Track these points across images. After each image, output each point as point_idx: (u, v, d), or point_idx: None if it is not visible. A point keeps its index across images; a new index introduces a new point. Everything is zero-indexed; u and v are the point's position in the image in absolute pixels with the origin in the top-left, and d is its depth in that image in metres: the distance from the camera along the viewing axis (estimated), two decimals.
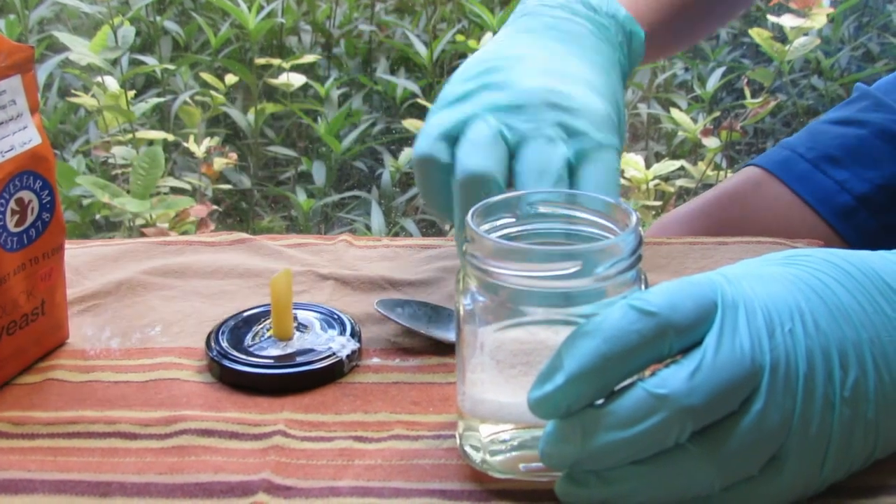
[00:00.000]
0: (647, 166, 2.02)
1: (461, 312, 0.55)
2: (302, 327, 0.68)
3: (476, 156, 0.64)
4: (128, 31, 1.94)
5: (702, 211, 1.01)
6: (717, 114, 2.28)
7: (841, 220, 0.96)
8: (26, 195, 0.64)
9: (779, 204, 0.97)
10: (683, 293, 0.51)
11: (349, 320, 0.69)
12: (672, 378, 0.49)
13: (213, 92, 2.20)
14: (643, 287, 0.54)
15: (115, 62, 1.95)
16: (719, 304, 0.52)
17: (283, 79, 2.20)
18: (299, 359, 0.65)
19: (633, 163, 2.00)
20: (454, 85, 0.69)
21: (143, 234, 1.82)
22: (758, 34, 2.01)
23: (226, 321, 0.69)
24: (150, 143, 2.00)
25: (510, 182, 0.65)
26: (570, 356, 0.50)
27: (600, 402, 0.50)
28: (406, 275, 0.76)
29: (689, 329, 0.50)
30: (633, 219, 0.54)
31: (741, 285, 0.53)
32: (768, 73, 2.09)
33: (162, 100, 2.18)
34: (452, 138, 0.66)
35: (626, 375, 0.50)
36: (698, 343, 0.51)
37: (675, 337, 0.50)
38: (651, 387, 0.49)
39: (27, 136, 0.64)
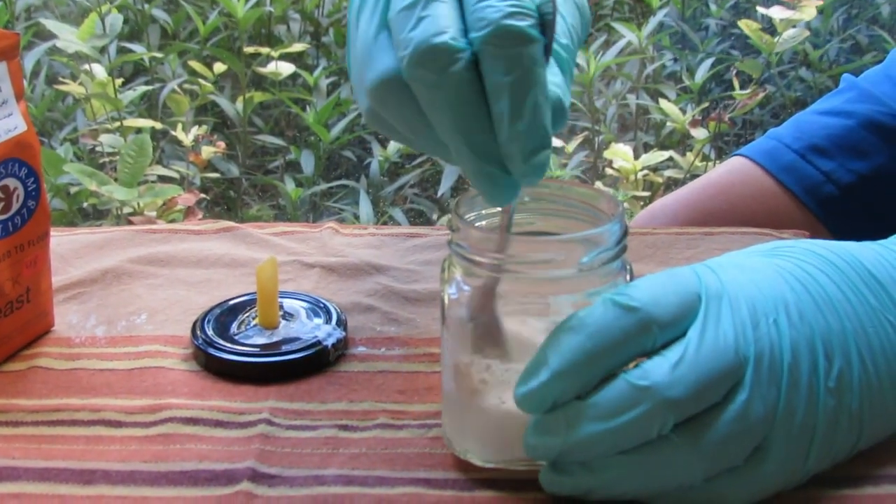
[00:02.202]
0: (636, 157, 2.02)
1: (446, 302, 0.55)
2: (288, 316, 0.68)
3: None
4: (115, 19, 1.93)
5: (688, 201, 1.01)
6: (706, 105, 2.28)
7: (826, 211, 0.96)
8: (11, 182, 0.63)
9: (765, 194, 0.98)
10: (666, 287, 0.51)
11: (335, 309, 0.68)
12: (654, 370, 0.49)
13: (201, 80, 2.19)
14: (628, 277, 0.54)
15: (102, 50, 1.94)
16: (703, 296, 0.52)
17: (271, 67, 2.20)
18: (285, 347, 0.65)
19: (622, 153, 2.00)
20: None
21: (130, 223, 1.81)
22: (747, 25, 2.01)
23: (211, 309, 0.69)
24: (138, 131, 2.00)
25: None
26: (553, 352, 0.50)
27: None
28: (392, 262, 0.76)
29: (673, 323, 0.51)
30: (619, 209, 0.54)
31: (725, 276, 0.53)
32: (757, 64, 2.09)
33: (150, 88, 2.18)
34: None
35: (611, 370, 0.50)
36: (683, 335, 0.51)
37: (659, 332, 0.50)
38: (634, 378, 0.49)
39: (12, 124, 0.63)
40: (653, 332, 0.50)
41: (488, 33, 0.48)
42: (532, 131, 0.48)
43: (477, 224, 0.55)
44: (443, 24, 0.49)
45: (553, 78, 0.51)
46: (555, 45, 0.53)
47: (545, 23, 0.49)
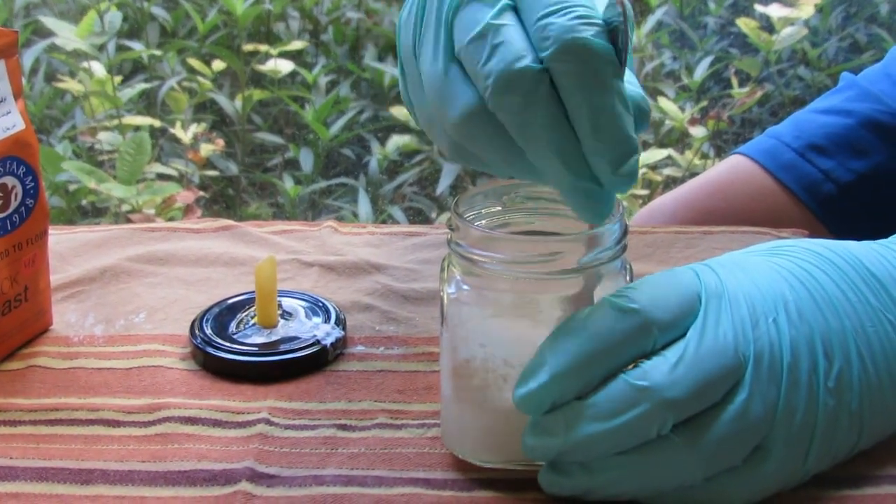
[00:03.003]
0: None
1: (445, 301, 0.54)
2: (286, 315, 0.68)
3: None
4: (114, 17, 1.94)
5: (687, 199, 1.01)
6: (705, 103, 2.28)
7: (826, 210, 0.96)
8: (10, 181, 0.63)
9: (764, 193, 0.98)
10: (666, 288, 0.51)
11: (334, 308, 0.68)
12: (654, 370, 0.49)
13: (200, 78, 2.19)
14: (628, 277, 0.54)
15: (101, 47, 1.94)
16: (703, 296, 0.52)
17: (270, 65, 2.20)
18: (283, 347, 0.65)
19: None
20: None
21: (129, 221, 1.81)
22: (745, 24, 2.01)
23: (210, 308, 0.68)
24: (137, 128, 2.00)
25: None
26: (553, 354, 0.50)
27: None
28: (392, 261, 0.76)
29: (673, 324, 0.51)
30: (619, 208, 0.54)
31: (725, 276, 0.53)
32: (755, 62, 2.10)
33: (149, 85, 2.18)
34: None
35: (610, 371, 0.50)
36: (682, 335, 0.51)
37: (659, 333, 0.50)
38: (633, 379, 0.49)
39: (11, 122, 0.63)
40: (652, 334, 0.50)
41: (555, 51, 0.47)
42: (616, 141, 0.48)
43: (476, 223, 0.55)
44: (518, 48, 0.48)
45: (629, 82, 0.50)
46: None
47: (614, 30, 0.48)
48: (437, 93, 0.52)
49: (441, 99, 0.52)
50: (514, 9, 0.50)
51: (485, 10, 0.50)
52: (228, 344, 0.65)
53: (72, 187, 1.92)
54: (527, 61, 0.48)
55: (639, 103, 0.50)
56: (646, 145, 2.27)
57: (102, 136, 1.98)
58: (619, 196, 0.52)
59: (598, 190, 0.49)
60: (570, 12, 0.48)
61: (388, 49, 2.55)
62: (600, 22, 0.48)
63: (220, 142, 2.14)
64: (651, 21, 2.32)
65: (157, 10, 2.45)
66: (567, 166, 0.49)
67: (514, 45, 0.48)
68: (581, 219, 0.51)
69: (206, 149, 2.09)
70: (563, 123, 0.48)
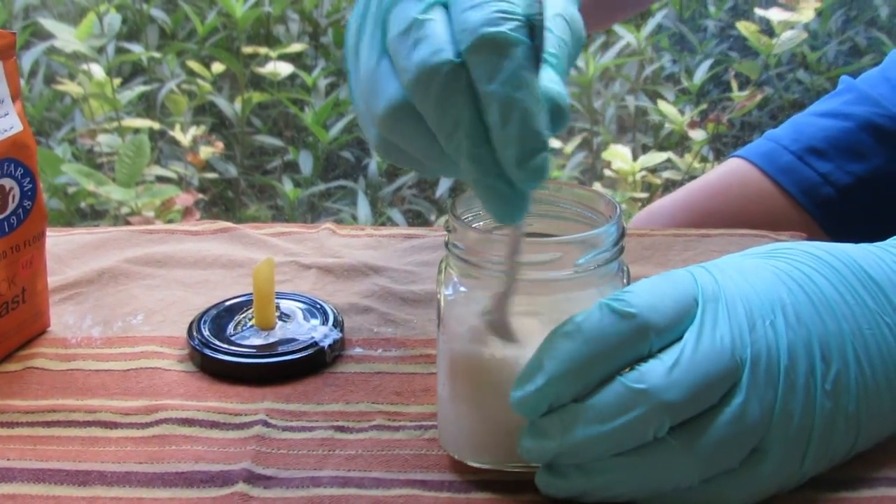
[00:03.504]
0: (634, 158, 2.03)
1: (442, 303, 0.54)
2: (284, 317, 0.68)
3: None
4: (114, 19, 1.94)
5: (686, 202, 1.01)
6: (704, 106, 2.28)
7: (824, 212, 0.96)
8: (7, 183, 0.63)
9: (762, 195, 0.98)
10: (663, 292, 0.51)
11: (332, 310, 0.68)
12: (651, 373, 0.49)
13: (199, 80, 2.19)
14: (625, 280, 0.54)
15: (100, 50, 1.94)
16: (700, 299, 0.52)
17: (270, 68, 2.20)
18: (281, 348, 0.65)
19: (620, 154, 2.00)
20: None
21: (128, 223, 1.81)
22: (745, 27, 2.02)
23: (208, 310, 0.68)
24: (136, 131, 2.00)
25: None
26: (550, 357, 0.50)
27: None
28: (389, 263, 0.76)
29: (670, 328, 0.51)
30: (616, 211, 0.54)
31: (722, 278, 0.53)
32: (755, 66, 2.10)
33: (148, 88, 2.18)
34: None
35: (607, 374, 0.50)
36: (679, 338, 0.51)
37: (656, 336, 0.50)
38: (630, 381, 0.49)
39: (8, 124, 0.63)
40: (649, 338, 0.50)
41: (471, 43, 0.47)
42: (524, 135, 0.47)
43: (474, 225, 0.55)
44: (439, 42, 0.48)
45: (549, 79, 0.50)
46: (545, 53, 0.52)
47: (533, 26, 0.48)
48: (369, 85, 0.52)
49: (370, 92, 0.52)
50: (445, 6, 0.50)
51: (415, 5, 0.50)
52: (226, 346, 0.65)
53: (71, 190, 1.92)
54: (444, 55, 0.48)
55: (555, 100, 0.49)
56: (645, 148, 2.27)
57: (102, 138, 1.98)
58: (617, 199, 0.52)
59: (505, 188, 0.49)
60: (490, 6, 0.48)
61: None
62: (520, 17, 0.48)
63: (220, 144, 2.14)
64: (651, 24, 2.32)
65: (157, 13, 2.46)
66: (473, 161, 0.48)
67: (435, 40, 0.48)
68: (492, 219, 0.50)
69: (205, 151, 2.10)
70: (476, 117, 0.48)
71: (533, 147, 0.48)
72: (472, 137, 0.48)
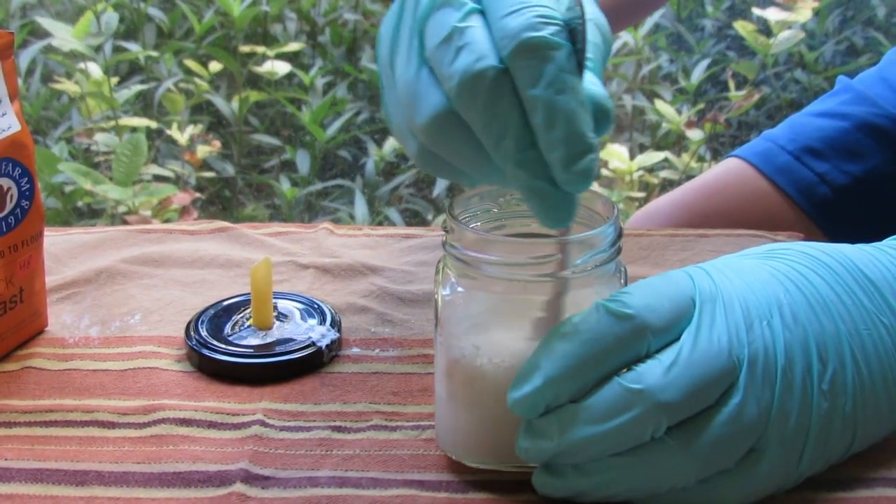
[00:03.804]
0: (632, 157, 2.03)
1: (440, 303, 0.55)
2: (282, 317, 0.68)
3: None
4: (111, 18, 1.93)
5: (683, 202, 1.01)
6: (702, 106, 2.28)
7: (820, 212, 0.96)
8: (5, 182, 0.63)
9: (759, 195, 0.98)
10: (660, 292, 0.51)
11: (329, 310, 0.68)
12: (648, 373, 0.49)
13: (196, 79, 2.19)
14: (623, 280, 0.54)
15: (98, 48, 1.94)
16: (697, 300, 0.52)
17: (267, 67, 2.20)
18: (279, 348, 0.65)
19: (618, 154, 2.00)
20: None
21: (125, 222, 1.81)
22: (742, 27, 2.02)
23: (205, 310, 0.68)
24: (133, 130, 2.00)
25: None
26: (547, 358, 0.50)
27: None
28: (387, 263, 0.76)
29: (667, 328, 0.51)
30: (614, 211, 0.54)
31: (719, 279, 0.53)
32: (752, 65, 2.10)
33: (145, 87, 2.18)
34: None
35: (604, 375, 0.50)
36: (677, 339, 0.51)
37: (653, 337, 0.50)
38: (627, 382, 0.49)
39: (6, 123, 0.63)
40: (647, 338, 0.50)
41: (513, 49, 0.47)
42: (570, 138, 0.47)
43: (471, 225, 0.55)
44: (481, 49, 0.48)
45: (591, 82, 0.50)
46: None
47: (573, 30, 0.48)
48: (409, 96, 0.52)
49: (411, 102, 0.52)
50: (482, 12, 0.50)
51: (453, 14, 0.50)
52: (224, 346, 0.65)
53: (68, 189, 1.92)
54: (488, 61, 0.48)
55: (600, 103, 0.50)
56: (642, 148, 2.27)
57: (99, 137, 1.98)
58: (614, 198, 0.52)
59: (553, 191, 0.49)
60: (530, 11, 0.48)
61: None
62: (560, 22, 0.48)
63: (217, 143, 2.14)
64: (649, 24, 2.32)
65: (154, 12, 2.45)
66: (521, 165, 0.48)
67: (478, 46, 0.49)
68: (540, 223, 0.50)
69: (202, 150, 2.09)
70: (523, 122, 0.48)
71: (579, 149, 0.48)
72: (520, 142, 0.48)
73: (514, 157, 0.48)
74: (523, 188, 0.49)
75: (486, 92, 0.48)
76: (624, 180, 2.01)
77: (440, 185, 2.17)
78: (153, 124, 2.09)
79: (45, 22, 1.95)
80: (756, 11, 2.12)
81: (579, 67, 0.48)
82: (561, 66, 0.47)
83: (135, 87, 2.08)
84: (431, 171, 0.54)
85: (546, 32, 0.47)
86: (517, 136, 0.48)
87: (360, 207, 2.06)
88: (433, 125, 0.51)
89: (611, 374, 0.50)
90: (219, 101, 2.27)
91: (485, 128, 0.49)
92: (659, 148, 2.22)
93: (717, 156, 2.26)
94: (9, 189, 0.64)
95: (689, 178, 1.99)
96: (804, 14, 1.96)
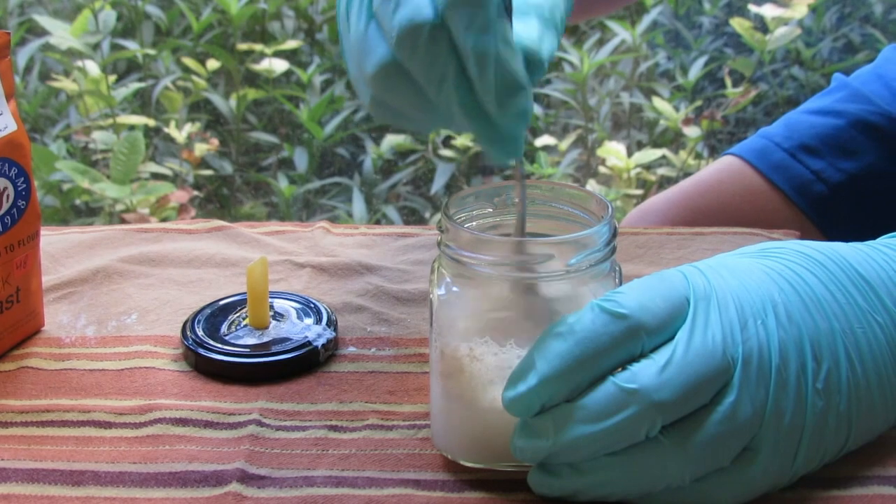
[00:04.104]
0: (629, 155, 2.03)
1: (435, 302, 0.55)
2: (278, 316, 0.68)
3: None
4: (109, 15, 1.93)
5: (679, 200, 1.01)
6: (699, 103, 2.28)
7: (816, 210, 0.96)
8: (1, 182, 0.63)
9: (755, 193, 0.98)
10: (655, 292, 0.52)
11: (325, 309, 0.68)
12: (642, 373, 0.50)
13: (194, 77, 2.19)
14: (617, 279, 0.55)
15: (95, 46, 1.94)
16: (691, 299, 0.52)
17: (265, 64, 2.20)
18: (275, 348, 0.65)
19: (615, 151, 2.00)
20: None
21: (123, 220, 1.81)
22: (739, 24, 2.02)
23: (202, 310, 0.69)
24: (131, 128, 2.00)
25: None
26: (542, 358, 0.50)
27: None
28: (383, 262, 0.76)
29: (661, 328, 0.51)
30: (608, 210, 0.54)
31: (714, 278, 0.53)
32: (749, 62, 2.10)
33: (143, 85, 2.18)
34: None
35: (599, 375, 0.50)
36: (671, 338, 0.51)
37: (648, 337, 0.50)
38: (622, 381, 0.50)
39: (3, 123, 0.63)
40: (641, 338, 0.50)
41: (447, 1, 0.50)
42: (500, 80, 0.50)
43: (466, 225, 0.55)
44: (418, 3, 0.51)
45: (525, 30, 0.53)
46: (531, 3, 0.55)
47: None
48: (359, 48, 0.55)
49: (361, 55, 0.55)
50: None
51: None
52: (220, 345, 0.65)
53: (65, 187, 1.92)
54: (425, 13, 0.51)
55: (528, 48, 0.53)
56: (640, 145, 2.27)
57: (96, 135, 1.98)
58: (611, 196, 0.52)
59: (495, 132, 0.52)
60: None
61: None
62: None
63: (215, 141, 2.14)
64: (646, 21, 2.32)
65: (152, 9, 2.45)
66: (463, 110, 0.51)
67: (415, 1, 0.51)
68: (492, 160, 0.53)
69: (200, 148, 2.09)
70: (460, 70, 0.51)
71: (510, 88, 0.51)
72: (459, 88, 0.51)
73: (455, 102, 0.51)
74: (472, 132, 0.52)
75: (423, 43, 0.51)
76: (621, 178, 2.01)
77: (438, 183, 2.17)
78: (151, 122, 2.08)
79: (43, 20, 1.95)
80: (752, 8, 2.12)
81: (508, 15, 0.52)
82: (489, 13, 0.50)
83: (132, 85, 2.08)
84: (384, 118, 0.57)
85: None
86: (456, 83, 0.51)
87: (358, 205, 2.06)
88: (380, 75, 0.53)
89: (605, 373, 0.50)
90: (217, 99, 2.27)
91: (425, 77, 0.52)
92: (656, 145, 2.22)
93: (714, 153, 2.26)
94: (5, 189, 0.64)
95: (687, 175, 1.99)
96: (801, 11, 1.96)
